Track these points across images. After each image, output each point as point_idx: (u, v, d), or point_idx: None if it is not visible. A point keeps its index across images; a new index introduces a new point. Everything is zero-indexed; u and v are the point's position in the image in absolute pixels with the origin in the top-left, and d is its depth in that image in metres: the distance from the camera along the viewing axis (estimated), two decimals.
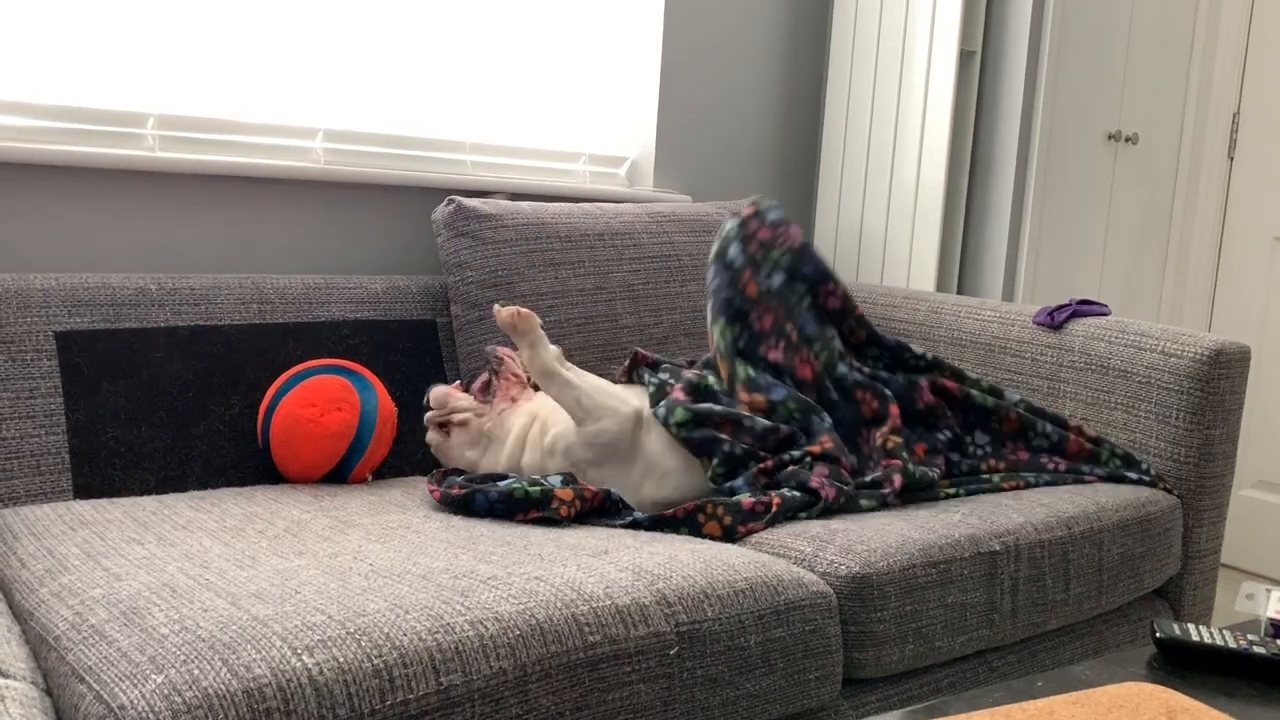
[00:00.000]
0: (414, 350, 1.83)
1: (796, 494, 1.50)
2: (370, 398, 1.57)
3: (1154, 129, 2.61)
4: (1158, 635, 1.00)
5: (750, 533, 1.44)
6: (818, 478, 1.52)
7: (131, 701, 0.85)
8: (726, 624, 1.16)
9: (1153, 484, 1.75)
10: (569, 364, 1.57)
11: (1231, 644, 0.93)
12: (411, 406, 1.75)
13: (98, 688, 0.89)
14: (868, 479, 1.58)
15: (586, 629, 1.06)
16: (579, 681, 1.04)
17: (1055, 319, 1.95)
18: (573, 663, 1.04)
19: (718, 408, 1.57)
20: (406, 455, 1.74)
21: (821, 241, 2.58)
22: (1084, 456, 1.79)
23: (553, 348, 1.55)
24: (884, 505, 1.55)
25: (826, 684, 1.26)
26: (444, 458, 1.63)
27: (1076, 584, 1.55)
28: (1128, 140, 2.54)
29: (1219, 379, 1.75)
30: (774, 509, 1.46)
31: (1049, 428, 1.78)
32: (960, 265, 2.44)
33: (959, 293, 2.44)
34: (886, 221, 2.44)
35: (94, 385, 1.53)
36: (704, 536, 1.42)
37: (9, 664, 0.93)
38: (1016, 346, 1.98)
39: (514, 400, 1.63)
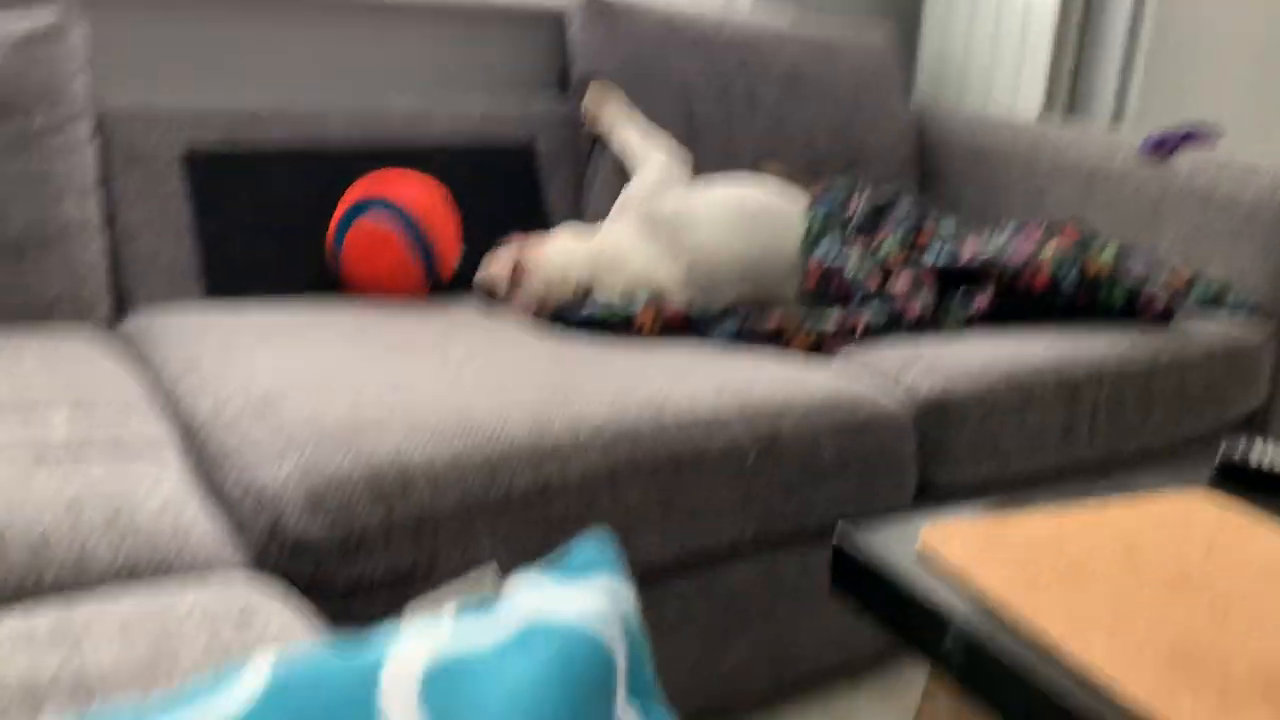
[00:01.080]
0: (512, 174, 1.88)
1: (883, 313, 1.54)
2: (395, 216, 1.59)
3: None
4: (1224, 454, 1.03)
5: (838, 349, 1.49)
6: (901, 298, 1.55)
7: (270, 480, 0.97)
8: (802, 435, 1.24)
9: (1247, 316, 1.74)
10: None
11: None
12: (508, 228, 1.82)
13: (240, 466, 1.01)
14: (959, 290, 1.61)
15: (671, 434, 1.15)
16: (663, 481, 1.13)
17: (1162, 149, 1.90)
18: (658, 464, 1.13)
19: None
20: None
21: (926, 64, 2.52)
22: (1180, 283, 1.78)
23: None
24: (972, 321, 1.57)
25: (898, 494, 1.34)
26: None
27: (1158, 411, 1.57)
28: None
29: None
30: (859, 330, 1.51)
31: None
32: (1072, 83, 2.36)
33: (1068, 113, 2.37)
34: (995, 33, 2.36)
35: (218, 201, 1.63)
36: (790, 352, 1.48)
37: (162, 443, 1.05)
38: (1119, 177, 1.94)
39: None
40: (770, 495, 1.22)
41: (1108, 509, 0.90)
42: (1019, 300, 1.61)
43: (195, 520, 0.91)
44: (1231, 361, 1.65)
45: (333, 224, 1.63)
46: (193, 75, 1.81)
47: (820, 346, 1.48)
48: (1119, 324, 1.63)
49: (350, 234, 1.59)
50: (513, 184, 1.87)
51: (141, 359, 1.34)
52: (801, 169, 2.01)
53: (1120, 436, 1.54)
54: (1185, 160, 1.86)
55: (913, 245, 1.71)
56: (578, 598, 0.32)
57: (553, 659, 0.29)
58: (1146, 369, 1.54)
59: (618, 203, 1.74)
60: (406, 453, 1.01)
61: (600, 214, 1.83)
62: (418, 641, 0.30)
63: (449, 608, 0.32)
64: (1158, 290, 1.64)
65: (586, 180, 1.92)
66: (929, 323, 1.55)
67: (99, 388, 1.15)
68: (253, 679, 0.30)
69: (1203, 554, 0.79)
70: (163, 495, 0.92)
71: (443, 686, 0.28)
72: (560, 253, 1.62)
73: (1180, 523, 0.87)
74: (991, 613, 0.72)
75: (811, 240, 1.67)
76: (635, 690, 0.31)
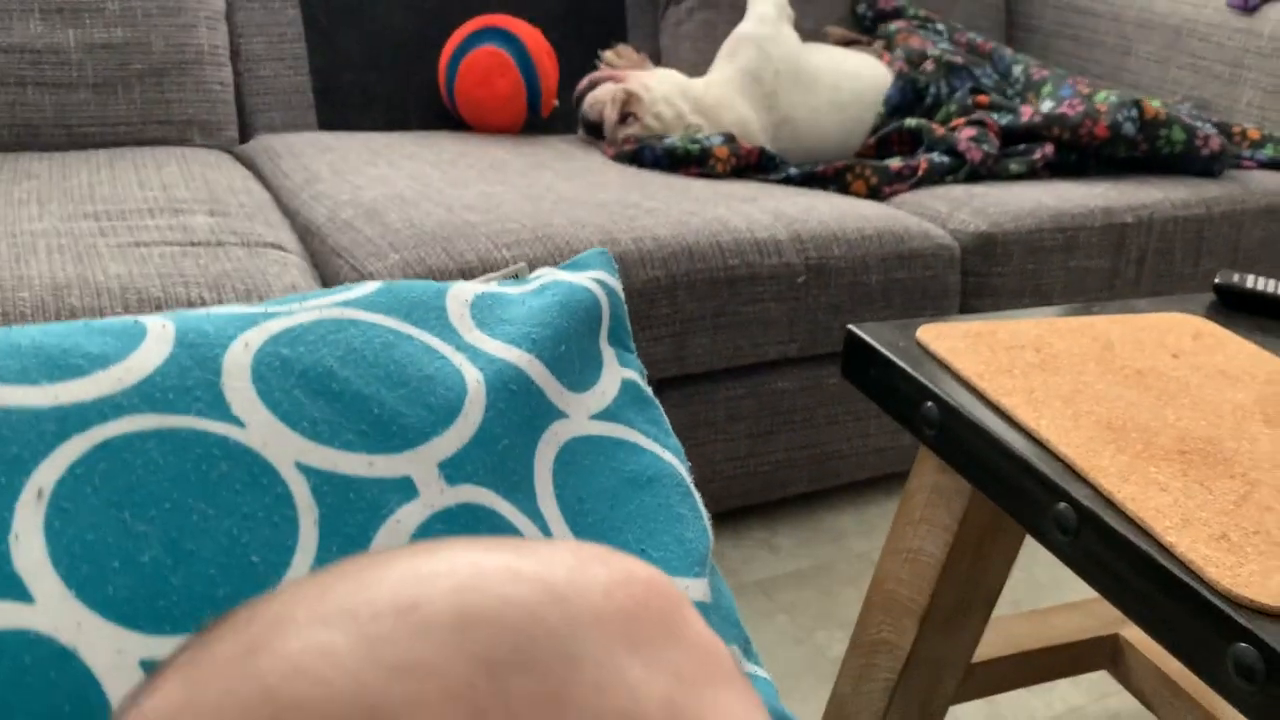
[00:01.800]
0: (599, 15, 1.98)
1: (945, 159, 1.62)
2: (519, 48, 1.73)
3: None
4: (1217, 281, 1.13)
5: (895, 193, 1.59)
6: (965, 141, 1.63)
7: (377, 270, 1.14)
8: (851, 262, 1.36)
9: None
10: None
11: None
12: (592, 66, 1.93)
13: (351, 261, 1.17)
14: (1020, 146, 1.68)
15: (728, 253, 1.28)
16: (718, 294, 1.27)
17: (1250, 2, 1.90)
18: (714, 279, 1.27)
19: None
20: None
21: None
22: (1249, 144, 1.81)
23: None
24: (1033, 173, 1.65)
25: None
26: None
27: (1208, 261, 1.64)
28: None
29: None
30: (921, 172, 1.60)
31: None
32: None
33: None
34: None
35: (330, 33, 1.77)
36: (851, 195, 1.59)
37: (286, 243, 1.23)
38: (1205, 30, 1.95)
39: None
40: (816, 315, 1.35)
41: (1096, 319, 1.01)
42: (1081, 152, 1.67)
43: None
44: None
45: (448, 50, 1.76)
46: None
47: (878, 193, 1.58)
48: (1176, 174, 1.68)
49: (469, 58, 1.72)
50: (600, 26, 1.97)
51: (265, 175, 1.51)
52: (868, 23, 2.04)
53: (1167, 284, 1.62)
54: (1274, 15, 1.86)
55: (973, 107, 1.77)
56: (579, 275, 0.47)
57: (557, 296, 0.44)
58: (1199, 218, 1.61)
59: (727, 43, 1.81)
60: (492, 254, 1.16)
61: (680, 62, 1.92)
62: (470, 285, 0.46)
63: (491, 282, 0.48)
64: (1214, 133, 1.68)
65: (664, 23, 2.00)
66: (990, 174, 1.63)
67: (232, 195, 1.33)
68: (368, 286, 0.45)
69: (1169, 356, 0.91)
70: (289, 281, 1.10)
71: (484, 305, 0.44)
72: (667, 90, 1.70)
73: (1161, 332, 0.97)
74: (964, 389, 0.85)
75: (880, 122, 1.75)
76: (614, 339, 0.46)
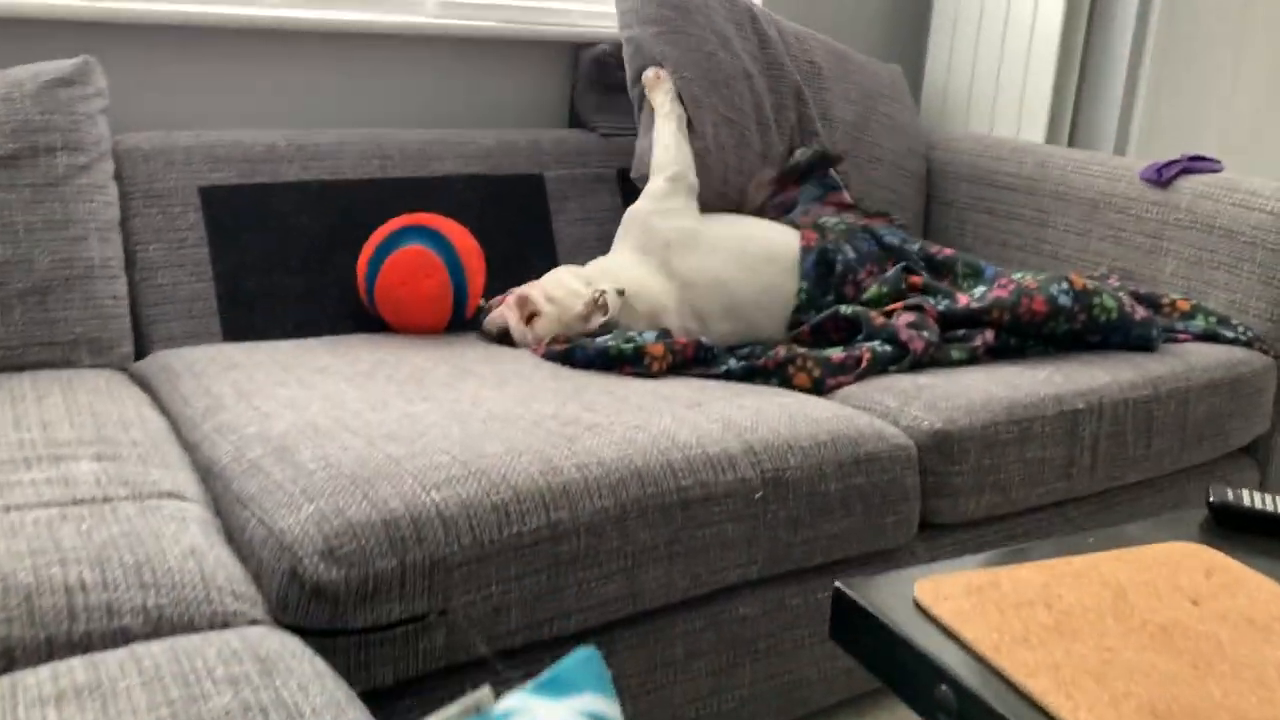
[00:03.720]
0: (522, 204, 1.92)
1: (887, 348, 1.56)
2: (447, 248, 1.65)
3: None
4: (1211, 499, 1.06)
5: (839, 386, 1.52)
6: (906, 330, 1.58)
7: (289, 526, 1.00)
8: (808, 472, 1.26)
9: (1248, 344, 1.76)
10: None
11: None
12: (517, 259, 1.85)
13: (260, 513, 1.04)
14: (959, 333, 1.64)
15: (680, 474, 1.18)
16: (672, 519, 1.16)
17: (1163, 175, 1.92)
18: (667, 503, 1.16)
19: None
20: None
21: (930, 99, 2.54)
22: (1178, 315, 1.81)
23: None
24: (974, 359, 1.60)
25: (902, 528, 1.36)
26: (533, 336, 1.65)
27: (1159, 441, 1.60)
28: None
29: None
30: (864, 364, 1.54)
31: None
32: (1073, 115, 2.39)
33: (1070, 145, 2.40)
34: (999, 67, 2.39)
35: (235, 236, 1.66)
36: (794, 388, 1.51)
37: (185, 489, 1.09)
38: (1122, 203, 1.97)
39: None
40: (777, 531, 1.24)
41: (1099, 560, 0.93)
42: (1021, 332, 1.64)
43: (218, 568, 0.94)
44: (1234, 390, 1.67)
45: (369, 248, 1.67)
46: (208, 112, 1.85)
47: (821, 387, 1.51)
48: (1115, 349, 1.65)
49: (394, 256, 1.64)
50: (523, 214, 1.91)
51: (163, 400, 1.37)
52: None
53: (1121, 467, 1.57)
54: (1187, 187, 1.89)
55: (907, 290, 1.74)
56: (563, 708, 0.35)
57: None
58: (1147, 399, 1.57)
59: (623, 221, 1.77)
60: (419, 498, 1.04)
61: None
62: None
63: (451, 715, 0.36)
64: (1138, 304, 1.68)
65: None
66: (932, 362, 1.58)
67: (123, 431, 1.19)
68: None
69: (1189, 603, 0.82)
70: (187, 543, 0.95)
71: None
72: (558, 275, 1.68)
73: (1169, 572, 0.89)
74: (981, 666, 0.74)
75: (804, 299, 1.70)
76: None
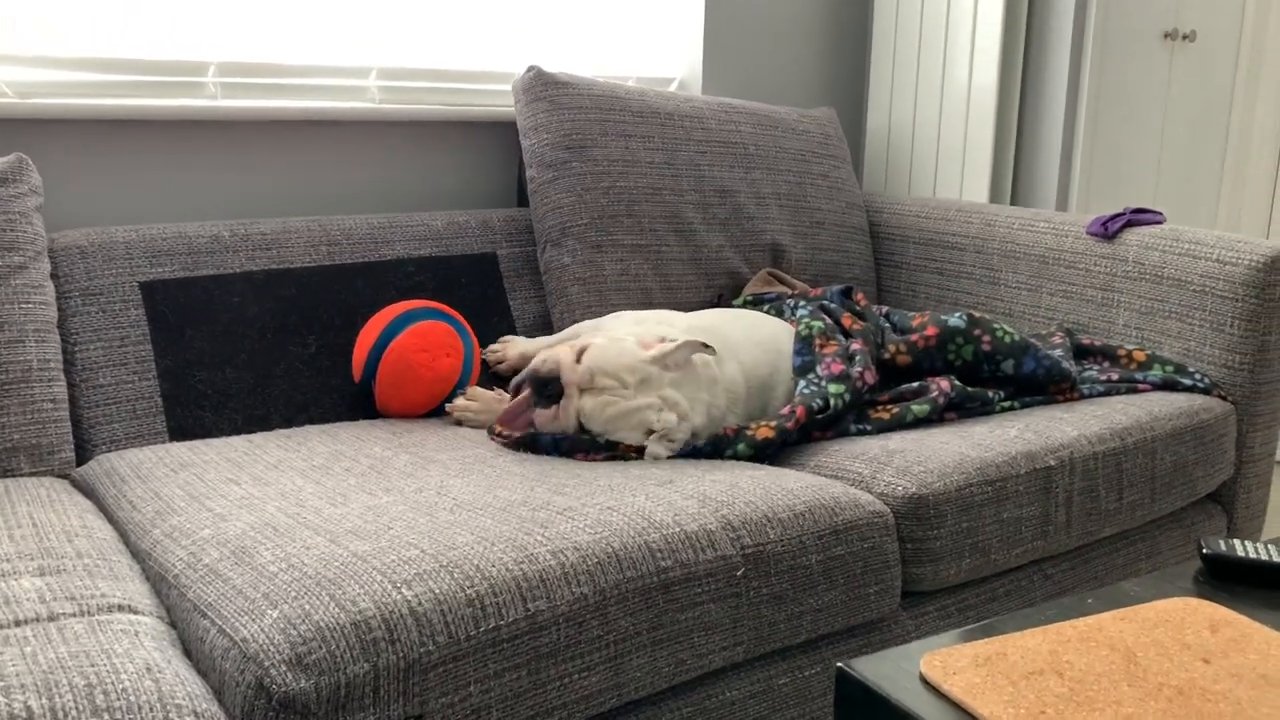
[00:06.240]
0: (477, 283, 1.89)
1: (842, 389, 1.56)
2: (468, 342, 1.69)
3: (1212, 26, 2.55)
4: (1204, 551, 1.04)
5: (800, 428, 1.49)
6: (858, 367, 1.59)
7: (253, 634, 0.94)
8: (788, 545, 1.23)
9: (1206, 391, 1.77)
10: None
11: (1276, 558, 0.98)
12: (479, 339, 1.82)
13: (220, 622, 0.97)
14: (913, 385, 1.64)
15: (659, 555, 1.13)
16: (653, 603, 1.12)
17: (1109, 229, 1.95)
18: (647, 586, 1.12)
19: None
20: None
21: (874, 153, 2.58)
22: (1136, 365, 1.82)
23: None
24: (937, 414, 1.59)
25: (886, 597, 1.33)
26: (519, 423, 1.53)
27: (1130, 493, 1.59)
28: (1185, 38, 2.48)
29: (1275, 285, 1.75)
30: (801, 416, 1.52)
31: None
32: (1014, 175, 2.43)
33: (1012, 203, 2.43)
34: (939, 129, 2.43)
35: (179, 331, 1.61)
36: (759, 443, 1.47)
37: (136, 601, 1.02)
38: (1070, 258, 1.99)
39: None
40: (760, 609, 1.20)
41: (1102, 621, 0.90)
42: (972, 374, 1.70)
43: (176, 685, 0.87)
44: (1197, 437, 1.68)
45: (383, 317, 1.64)
46: (147, 206, 1.80)
47: (785, 433, 1.49)
48: (1079, 405, 1.65)
49: (421, 325, 1.62)
50: (478, 294, 1.88)
51: (109, 506, 1.31)
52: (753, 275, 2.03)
53: (1095, 521, 1.55)
54: (1133, 240, 1.91)
55: (835, 326, 1.76)
56: None
57: None
58: (1116, 451, 1.56)
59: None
60: (390, 596, 0.99)
61: (571, 304, 1.84)
62: None
63: None
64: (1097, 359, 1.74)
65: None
66: (895, 421, 1.57)
67: (67, 542, 1.12)
68: None
69: (1201, 662, 0.79)
70: (141, 660, 0.89)
71: None
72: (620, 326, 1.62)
73: (1174, 630, 0.86)
74: None
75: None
76: None
